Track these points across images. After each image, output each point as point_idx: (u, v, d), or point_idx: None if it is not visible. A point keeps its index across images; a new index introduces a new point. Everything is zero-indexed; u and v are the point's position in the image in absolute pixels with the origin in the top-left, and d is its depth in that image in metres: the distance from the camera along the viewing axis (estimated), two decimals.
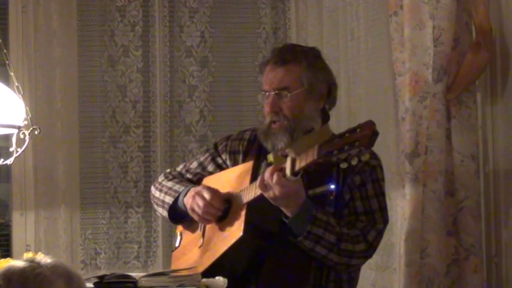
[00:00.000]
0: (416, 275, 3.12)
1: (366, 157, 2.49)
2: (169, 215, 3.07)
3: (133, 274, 2.71)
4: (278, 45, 2.99)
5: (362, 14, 3.76)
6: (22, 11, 4.04)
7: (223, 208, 2.90)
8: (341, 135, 2.52)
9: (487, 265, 3.14)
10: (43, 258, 1.81)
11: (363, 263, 2.89)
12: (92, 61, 4.16)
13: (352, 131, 2.50)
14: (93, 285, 2.65)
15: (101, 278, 2.68)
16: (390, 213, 3.42)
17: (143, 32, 4.21)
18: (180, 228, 3.15)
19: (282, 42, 4.26)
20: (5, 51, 3.30)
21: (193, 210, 2.93)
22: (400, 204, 3.27)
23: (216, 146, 3.13)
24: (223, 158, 3.08)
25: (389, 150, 3.48)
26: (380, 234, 2.84)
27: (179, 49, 4.23)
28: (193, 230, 3.06)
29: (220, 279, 2.72)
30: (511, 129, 3.06)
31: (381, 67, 3.60)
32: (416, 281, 3.12)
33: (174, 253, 3.15)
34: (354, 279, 2.93)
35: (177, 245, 3.14)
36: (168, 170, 3.22)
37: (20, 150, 3.14)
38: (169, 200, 3.05)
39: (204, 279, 2.72)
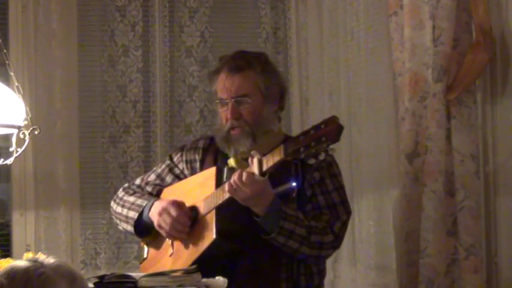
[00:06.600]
0: (416, 275, 3.12)
1: (333, 151, 2.59)
2: (134, 229, 3.10)
3: (133, 274, 2.71)
4: (226, 54, 3.06)
5: (362, 14, 3.75)
6: (22, 10, 4.04)
7: (191, 218, 2.95)
8: (305, 133, 2.60)
9: (487, 265, 3.14)
10: (46, 258, 1.81)
11: (331, 254, 3.00)
12: (92, 61, 4.16)
13: (316, 127, 2.59)
14: (93, 285, 2.65)
15: (101, 278, 2.69)
16: (390, 213, 3.43)
17: (143, 32, 4.20)
18: (145, 240, 3.19)
19: (282, 42, 4.27)
20: (5, 51, 3.29)
21: (160, 227, 2.98)
22: (400, 204, 3.27)
23: (171, 157, 3.18)
24: (180, 168, 3.14)
25: (390, 150, 3.48)
26: (344, 225, 2.95)
27: (179, 49, 4.23)
28: (160, 240, 3.09)
29: (220, 279, 2.72)
30: (511, 129, 3.06)
31: (380, 67, 3.59)
32: (416, 281, 3.12)
33: (142, 264, 3.19)
34: (322, 270, 3.04)
35: (145, 256, 3.18)
36: (127, 185, 3.24)
37: (20, 150, 3.14)
38: (133, 215, 3.08)
39: (204, 279, 2.72)
